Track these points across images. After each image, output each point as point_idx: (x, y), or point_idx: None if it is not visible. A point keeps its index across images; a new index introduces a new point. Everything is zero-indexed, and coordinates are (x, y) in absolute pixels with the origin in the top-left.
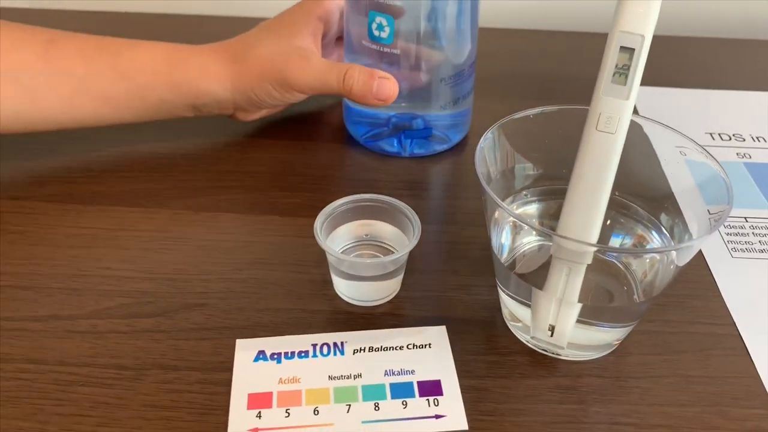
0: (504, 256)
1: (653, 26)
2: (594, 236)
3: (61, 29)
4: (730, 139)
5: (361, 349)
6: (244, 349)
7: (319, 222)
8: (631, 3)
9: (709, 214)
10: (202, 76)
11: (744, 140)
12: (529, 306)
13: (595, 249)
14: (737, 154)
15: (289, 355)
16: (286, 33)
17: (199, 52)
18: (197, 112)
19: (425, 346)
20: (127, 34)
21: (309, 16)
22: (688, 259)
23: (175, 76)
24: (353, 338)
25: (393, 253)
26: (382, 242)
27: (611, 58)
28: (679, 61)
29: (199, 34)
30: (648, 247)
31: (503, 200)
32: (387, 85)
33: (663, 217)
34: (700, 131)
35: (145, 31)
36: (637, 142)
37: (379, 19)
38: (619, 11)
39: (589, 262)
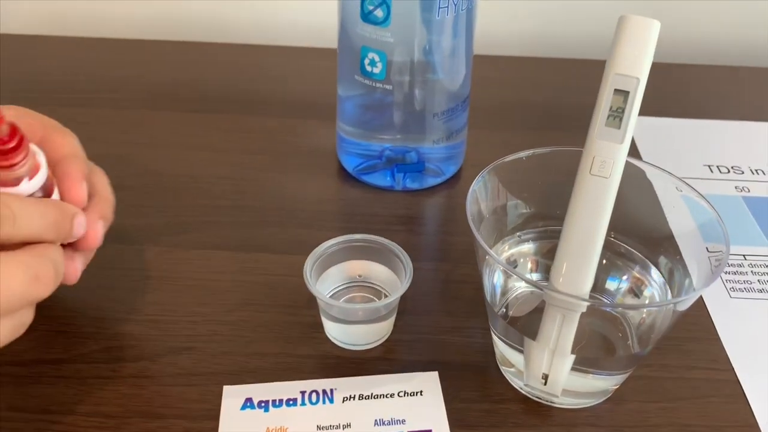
0: (497, 300)
1: (648, 69)
2: (588, 283)
3: (70, 56)
4: (729, 171)
5: (350, 397)
6: (231, 397)
7: (309, 264)
8: (626, 45)
9: (708, 252)
10: None
11: (743, 173)
12: (522, 352)
13: (588, 303)
14: (735, 187)
15: (277, 403)
16: None
17: None
18: None
19: (417, 393)
20: (136, 60)
21: None
22: (688, 306)
23: None
24: (343, 385)
25: (385, 294)
26: (373, 284)
27: (605, 100)
28: (676, 90)
29: (203, 61)
30: (646, 291)
31: (496, 240)
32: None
33: (661, 260)
34: (698, 163)
35: (153, 58)
36: (633, 183)
37: (372, 54)
38: (614, 53)
39: (584, 310)
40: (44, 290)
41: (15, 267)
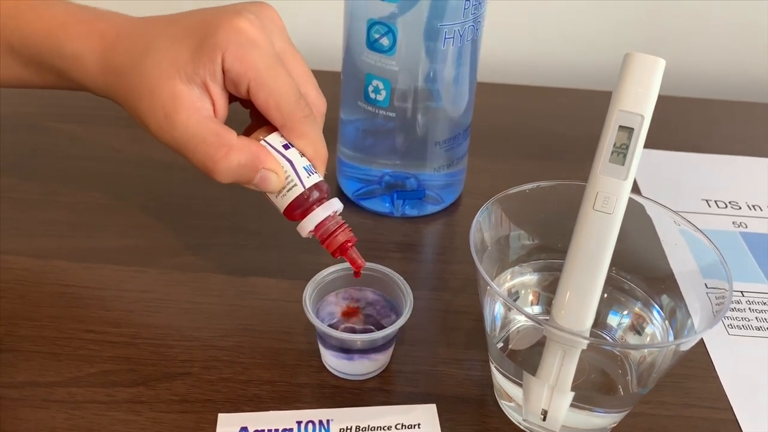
0: (497, 332)
1: (653, 107)
2: (590, 318)
3: None
4: (726, 206)
5: (347, 429)
6: (227, 425)
7: (308, 292)
8: (631, 83)
9: (706, 288)
10: (78, 70)
11: (740, 208)
12: (521, 386)
13: (589, 342)
14: (733, 223)
15: None
16: (176, 60)
17: (79, 36)
18: None
19: (414, 426)
20: None
21: (214, 54)
22: (690, 347)
23: (55, 63)
24: (340, 416)
25: (383, 324)
26: (372, 313)
27: (610, 136)
28: (675, 123)
29: None
30: (648, 329)
31: (498, 271)
32: (271, 180)
33: (663, 298)
34: (695, 198)
35: None
36: (635, 220)
37: (376, 82)
38: (619, 90)
39: (584, 347)
40: None
41: None
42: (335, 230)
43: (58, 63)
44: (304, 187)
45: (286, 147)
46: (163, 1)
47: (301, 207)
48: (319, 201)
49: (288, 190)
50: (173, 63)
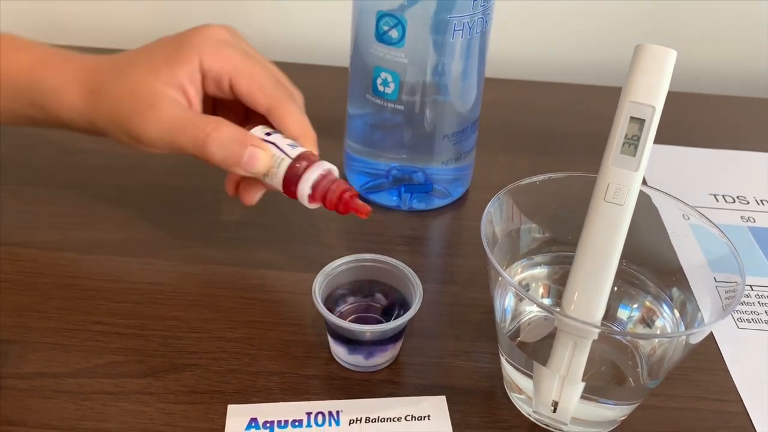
0: (507, 323)
1: (664, 98)
2: (600, 310)
3: None
4: (734, 201)
5: (357, 420)
6: (236, 416)
7: (318, 283)
8: (642, 74)
9: (716, 281)
10: (58, 100)
11: (748, 203)
12: (531, 377)
13: (600, 330)
14: (741, 217)
15: (283, 424)
16: (152, 70)
17: (61, 69)
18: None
19: (424, 417)
20: None
21: (189, 58)
22: (700, 339)
23: (35, 97)
24: (349, 407)
25: (393, 316)
26: (381, 305)
27: (621, 128)
28: (683, 118)
29: None
30: (658, 322)
31: (509, 263)
32: (259, 158)
33: (674, 291)
34: (703, 192)
35: None
36: (645, 213)
37: (385, 74)
38: (630, 81)
39: (595, 338)
40: None
41: None
42: (332, 185)
43: (38, 97)
44: (291, 158)
45: (268, 135)
46: (171, 15)
47: (295, 177)
48: (309, 167)
49: (278, 167)
50: (151, 70)
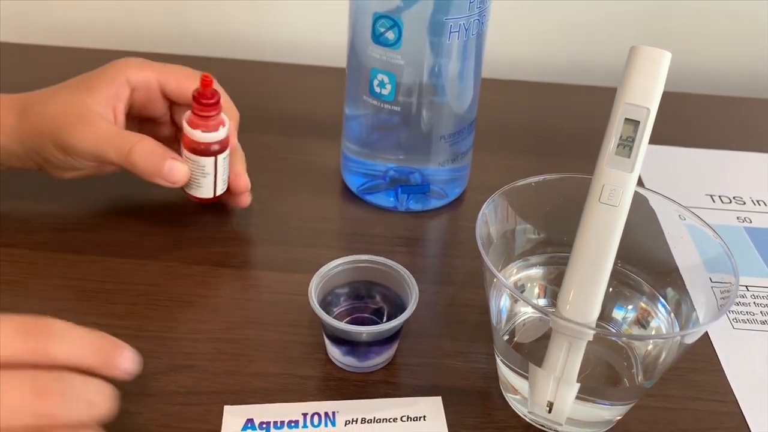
0: (503, 324)
1: (659, 99)
2: (595, 311)
3: (72, 67)
4: (731, 201)
5: (353, 420)
6: (233, 417)
7: (314, 284)
8: (637, 76)
9: (711, 282)
10: None
11: (744, 203)
12: (526, 378)
13: (595, 331)
14: (737, 218)
15: (279, 425)
16: (83, 90)
17: None
18: None
19: (420, 418)
20: None
21: (115, 77)
22: (695, 339)
23: None
24: (345, 408)
25: (389, 317)
26: (378, 305)
27: (616, 129)
28: (679, 119)
29: None
30: (653, 322)
31: (504, 264)
32: (179, 169)
33: (669, 292)
34: (699, 193)
35: None
36: (641, 214)
37: (381, 76)
38: (625, 83)
39: (590, 339)
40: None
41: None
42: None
43: None
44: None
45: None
46: (170, 16)
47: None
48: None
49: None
50: (82, 90)
